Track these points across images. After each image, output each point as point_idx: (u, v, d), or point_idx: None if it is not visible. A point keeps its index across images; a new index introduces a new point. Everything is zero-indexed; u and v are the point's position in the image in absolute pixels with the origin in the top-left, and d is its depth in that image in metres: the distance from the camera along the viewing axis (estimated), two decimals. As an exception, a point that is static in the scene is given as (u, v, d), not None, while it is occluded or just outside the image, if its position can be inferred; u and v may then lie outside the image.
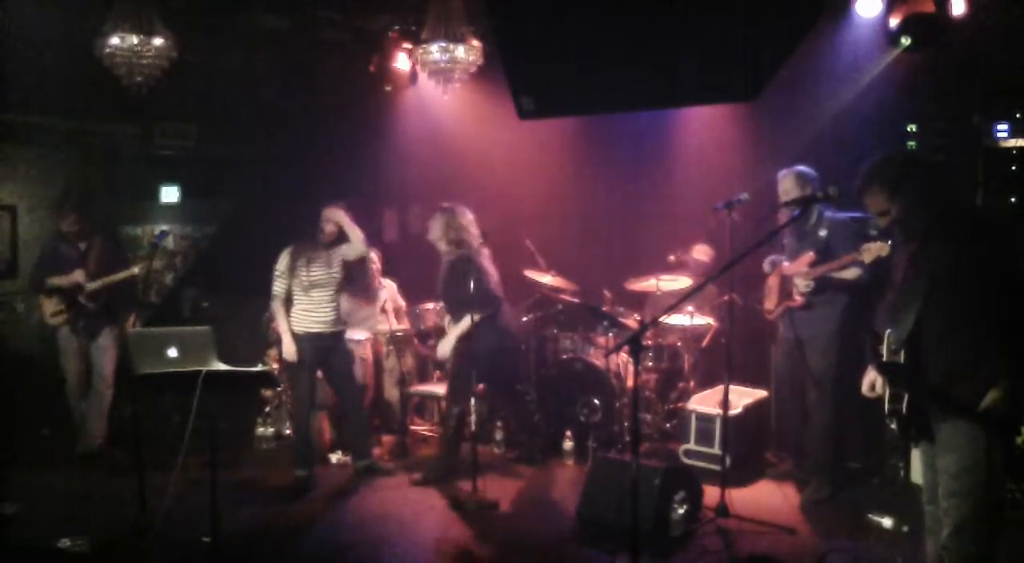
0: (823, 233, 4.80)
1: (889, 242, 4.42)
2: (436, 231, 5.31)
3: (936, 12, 5.05)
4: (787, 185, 4.88)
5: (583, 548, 4.29)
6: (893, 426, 3.16)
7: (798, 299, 4.86)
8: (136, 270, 5.63)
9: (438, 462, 5.36)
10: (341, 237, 5.28)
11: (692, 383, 6.02)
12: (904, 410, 3.06)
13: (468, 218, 5.29)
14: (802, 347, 4.93)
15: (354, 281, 5.81)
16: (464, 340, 5.18)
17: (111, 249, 5.82)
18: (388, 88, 6.81)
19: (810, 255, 4.79)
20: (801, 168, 4.89)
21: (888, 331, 3.15)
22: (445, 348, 5.31)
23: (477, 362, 5.11)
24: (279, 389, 6.06)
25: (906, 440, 3.23)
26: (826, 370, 4.83)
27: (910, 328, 3.02)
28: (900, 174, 3.08)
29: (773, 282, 5.11)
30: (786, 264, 4.97)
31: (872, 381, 3.25)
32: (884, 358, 3.15)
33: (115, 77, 5.08)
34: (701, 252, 6.23)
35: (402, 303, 6.54)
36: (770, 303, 5.15)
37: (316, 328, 5.20)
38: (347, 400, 5.45)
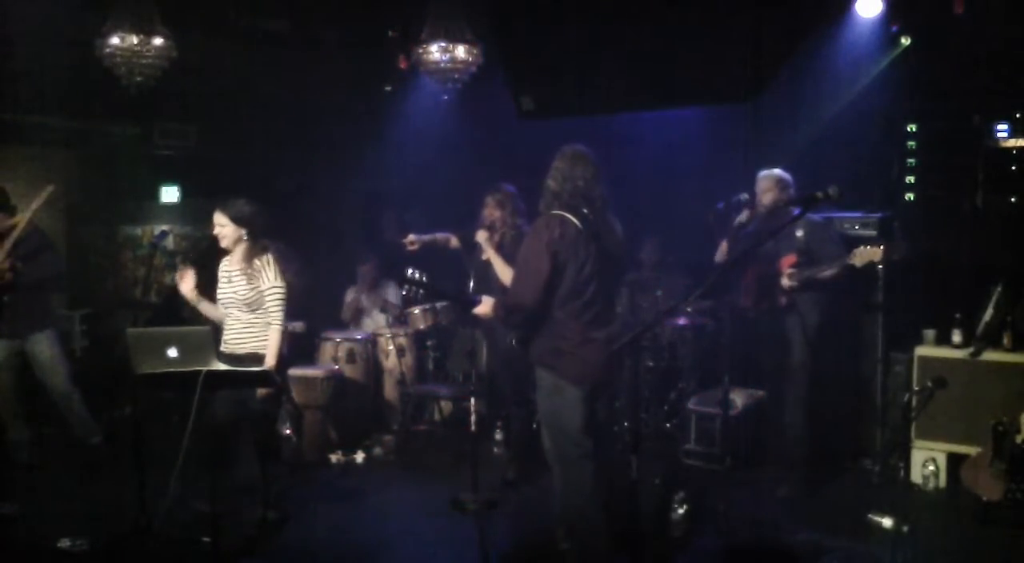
0: (800, 233, 4.77)
1: (881, 245, 4.44)
2: (497, 214, 5.05)
3: (936, 12, 5.06)
4: (766, 185, 4.85)
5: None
6: None
7: (783, 299, 4.81)
8: None
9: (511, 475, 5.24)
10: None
11: (692, 383, 6.02)
12: None
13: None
14: (782, 344, 4.88)
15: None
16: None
17: None
18: (388, 88, 6.80)
19: (792, 257, 4.78)
20: (780, 171, 4.87)
21: None
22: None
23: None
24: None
25: None
26: (801, 368, 4.80)
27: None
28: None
29: (750, 280, 5.04)
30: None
31: None
32: None
33: (115, 77, 5.07)
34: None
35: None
36: (746, 301, 5.04)
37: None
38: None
